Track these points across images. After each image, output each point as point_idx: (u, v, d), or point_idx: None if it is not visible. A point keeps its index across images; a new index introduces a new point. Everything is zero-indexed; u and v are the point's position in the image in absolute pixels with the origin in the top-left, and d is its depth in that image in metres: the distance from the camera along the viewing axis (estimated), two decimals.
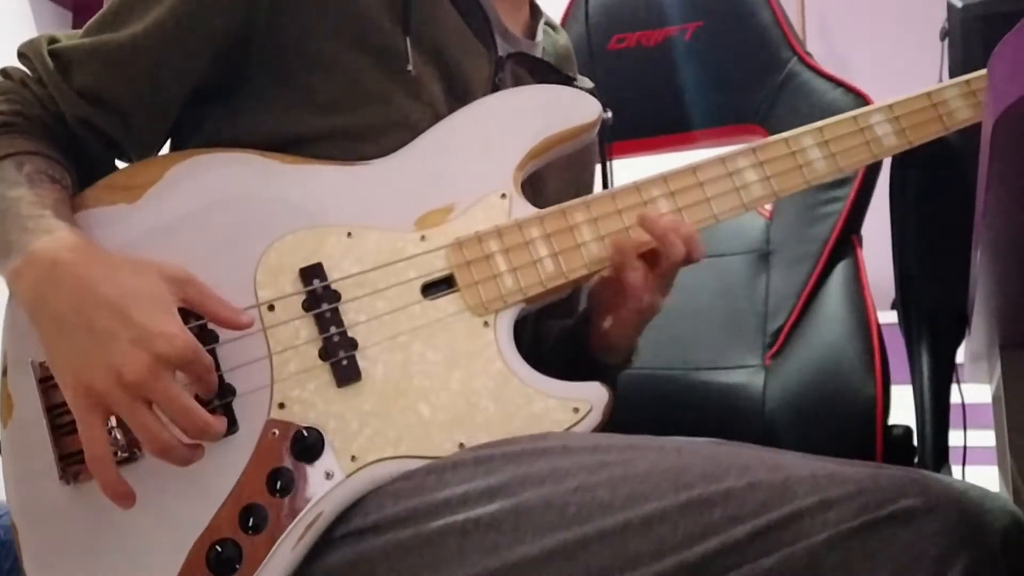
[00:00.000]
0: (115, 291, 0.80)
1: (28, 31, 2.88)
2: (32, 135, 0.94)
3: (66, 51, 0.96)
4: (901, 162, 1.27)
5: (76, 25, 3.05)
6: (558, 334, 1.14)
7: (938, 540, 0.68)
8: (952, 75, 1.19)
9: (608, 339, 1.05)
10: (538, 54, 1.15)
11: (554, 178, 1.12)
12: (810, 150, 1.04)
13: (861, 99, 1.42)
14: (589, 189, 1.23)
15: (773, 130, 1.50)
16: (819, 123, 1.05)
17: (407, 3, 1.00)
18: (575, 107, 1.05)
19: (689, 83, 1.57)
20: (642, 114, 1.56)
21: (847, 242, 1.40)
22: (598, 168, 1.22)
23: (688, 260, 0.98)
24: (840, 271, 1.39)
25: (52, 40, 0.98)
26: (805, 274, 1.42)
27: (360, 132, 0.98)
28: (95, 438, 0.79)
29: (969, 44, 1.17)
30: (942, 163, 1.14)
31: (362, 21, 0.98)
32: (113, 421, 0.84)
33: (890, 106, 1.06)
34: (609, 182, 1.20)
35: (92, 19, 0.98)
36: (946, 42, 1.22)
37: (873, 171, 1.38)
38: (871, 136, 1.05)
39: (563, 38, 1.25)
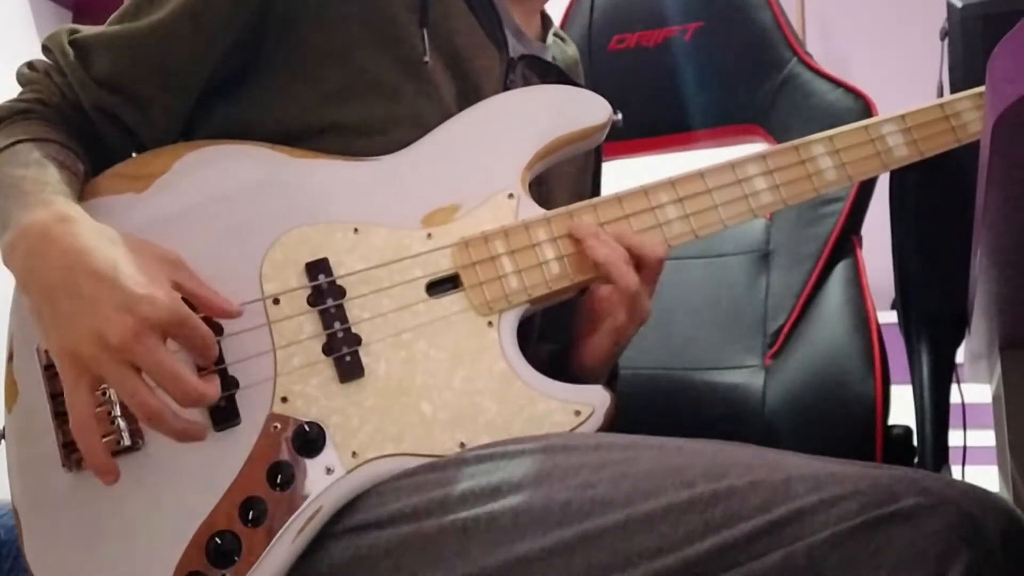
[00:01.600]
0: (104, 258, 0.80)
1: (28, 31, 2.87)
2: (49, 122, 0.96)
3: (86, 40, 0.98)
4: None
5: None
6: (545, 358, 1.14)
7: (939, 539, 0.68)
8: (952, 75, 1.19)
9: (584, 362, 1.05)
10: (548, 58, 1.15)
11: (557, 176, 1.12)
12: (820, 159, 1.04)
13: (861, 100, 1.42)
14: (587, 189, 1.23)
15: (773, 130, 1.51)
16: (829, 132, 1.05)
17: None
18: (585, 108, 1.05)
19: (689, 83, 1.57)
20: (642, 114, 1.55)
21: (847, 242, 1.40)
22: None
23: (643, 262, 0.96)
24: (840, 271, 1.39)
25: (73, 31, 0.99)
26: (805, 274, 1.42)
27: (370, 126, 0.98)
28: (79, 403, 0.79)
29: (969, 44, 1.16)
30: (942, 163, 1.14)
31: (380, 14, 0.99)
32: (118, 410, 0.84)
33: (902, 116, 1.06)
34: (599, 182, 1.21)
35: (115, 13, 1.00)
36: (946, 42, 1.22)
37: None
38: (882, 147, 1.05)
39: (572, 49, 1.25)
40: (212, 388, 0.80)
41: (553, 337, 1.14)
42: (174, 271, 0.84)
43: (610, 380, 1.12)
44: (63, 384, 0.80)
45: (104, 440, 0.82)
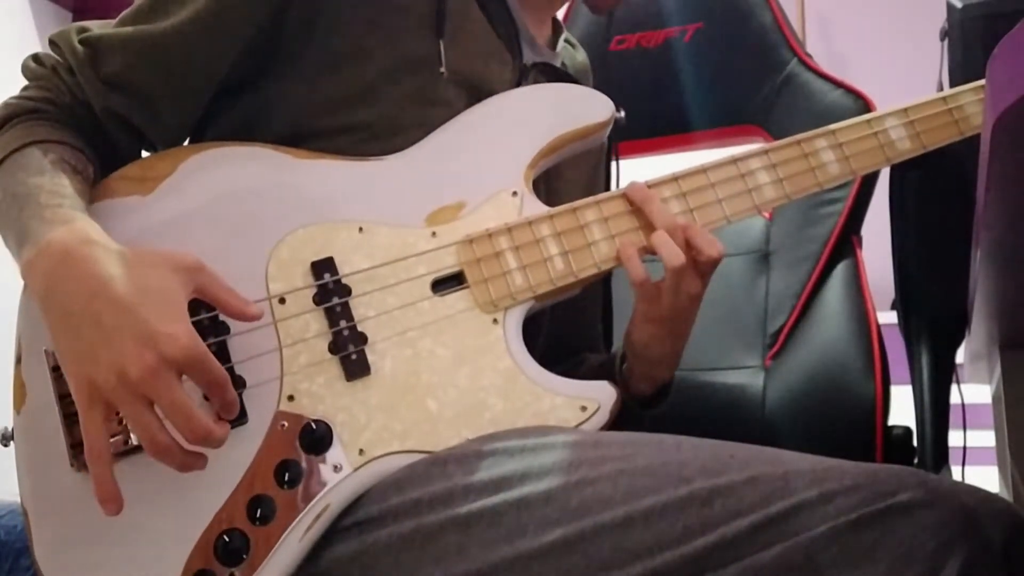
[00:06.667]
0: (126, 287, 0.80)
1: (28, 31, 2.87)
2: (59, 123, 0.95)
3: (96, 40, 0.97)
4: (902, 162, 1.28)
5: None
6: (591, 366, 1.13)
7: (936, 533, 0.68)
8: (952, 75, 1.19)
9: (635, 347, 1.04)
10: (558, 64, 1.16)
11: (569, 176, 1.12)
12: (823, 152, 1.04)
13: (861, 100, 1.42)
14: (601, 189, 1.23)
15: (773, 131, 1.51)
16: (832, 126, 1.05)
17: (441, 6, 1.01)
18: (587, 106, 1.06)
19: (689, 84, 1.57)
20: (643, 115, 1.54)
21: (847, 242, 1.40)
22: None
23: (700, 261, 0.96)
24: (840, 271, 1.39)
25: (83, 29, 0.98)
26: (805, 274, 1.42)
27: (382, 130, 0.99)
28: (94, 432, 0.79)
29: (969, 44, 1.16)
30: (942, 163, 1.14)
31: (395, 22, 0.99)
32: None
33: (905, 110, 1.06)
34: (615, 182, 1.21)
35: (126, 10, 0.99)
36: (946, 42, 1.22)
37: (873, 171, 1.39)
38: (885, 140, 1.05)
39: (581, 55, 1.26)
40: (222, 429, 0.80)
41: (561, 338, 1.14)
42: (194, 278, 0.83)
43: (665, 391, 1.10)
44: (77, 408, 0.80)
45: (112, 440, 0.82)
